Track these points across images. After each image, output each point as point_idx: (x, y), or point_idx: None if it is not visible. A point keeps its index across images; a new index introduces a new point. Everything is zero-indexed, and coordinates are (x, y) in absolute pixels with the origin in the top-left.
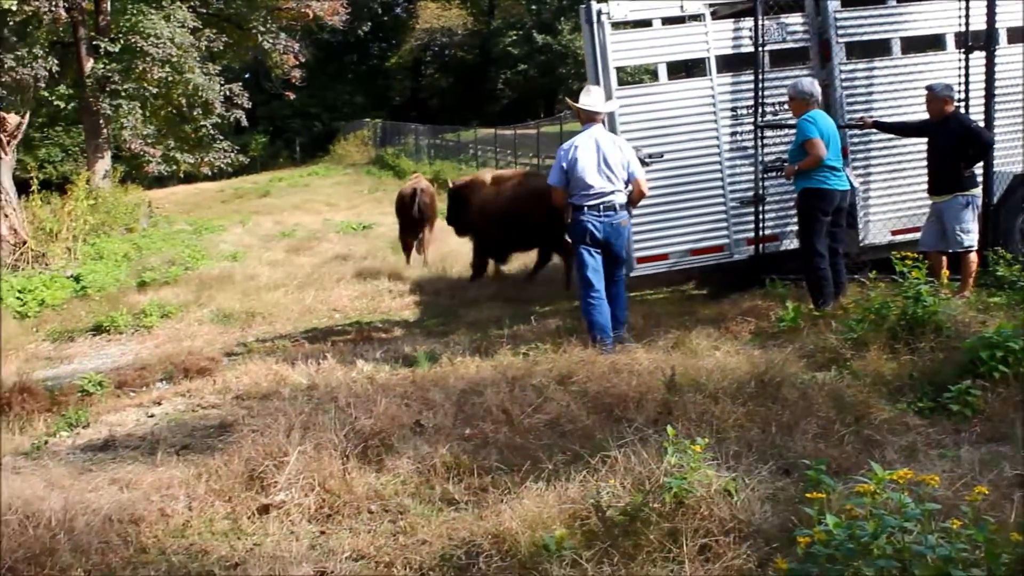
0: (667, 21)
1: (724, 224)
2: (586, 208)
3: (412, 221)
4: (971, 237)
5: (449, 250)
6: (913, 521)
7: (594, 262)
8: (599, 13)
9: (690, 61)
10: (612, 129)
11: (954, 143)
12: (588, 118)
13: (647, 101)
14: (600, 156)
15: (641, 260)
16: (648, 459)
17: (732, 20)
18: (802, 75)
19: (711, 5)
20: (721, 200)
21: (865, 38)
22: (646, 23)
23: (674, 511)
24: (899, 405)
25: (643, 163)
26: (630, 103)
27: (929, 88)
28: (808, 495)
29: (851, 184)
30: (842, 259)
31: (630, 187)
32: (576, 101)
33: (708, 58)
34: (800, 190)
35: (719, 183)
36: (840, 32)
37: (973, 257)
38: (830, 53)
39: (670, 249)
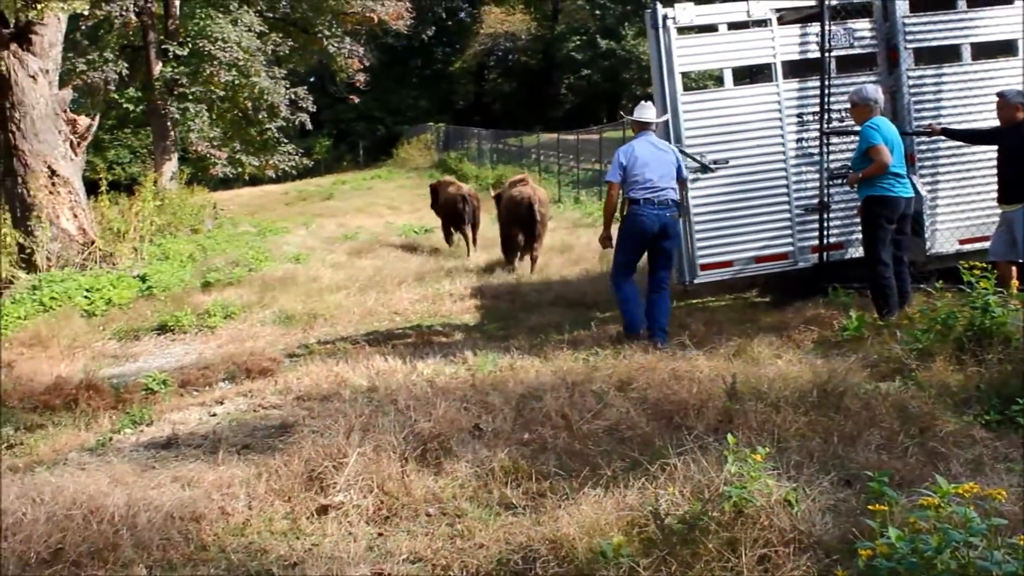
0: (733, 26)
1: (789, 231)
2: (642, 201)
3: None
4: None
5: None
6: (979, 536)
7: (633, 258)
8: (665, 18)
9: (754, 66)
10: (677, 135)
11: None
12: (641, 128)
13: (712, 107)
14: (660, 158)
15: (705, 267)
16: (708, 467)
17: (799, 25)
18: (867, 81)
19: (777, 10)
20: (786, 207)
21: (934, 44)
22: (712, 28)
23: (733, 520)
24: (965, 417)
25: (706, 169)
26: (695, 109)
27: (1001, 95)
28: (870, 507)
29: (917, 192)
30: (907, 267)
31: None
32: (631, 115)
33: (774, 63)
34: (864, 197)
35: (784, 190)
36: (908, 37)
37: None
38: (898, 59)
39: (735, 256)
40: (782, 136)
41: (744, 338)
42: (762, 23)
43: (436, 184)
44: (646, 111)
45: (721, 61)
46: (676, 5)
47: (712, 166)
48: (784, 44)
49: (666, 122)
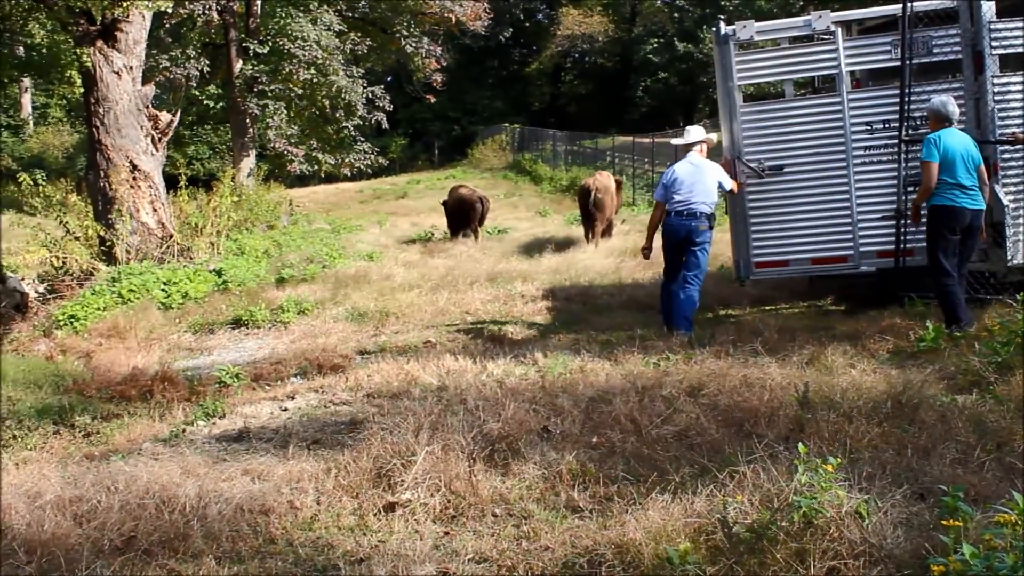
0: (796, 40)
1: (850, 236)
2: (674, 213)
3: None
4: None
5: (577, 258)
6: None
7: (671, 262)
8: (727, 35)
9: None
10: (738, 144)
11: None
12: (686, 150)
13: (771, 117)
14: (695, 176)
15: (760, 265)
16: (777, 476)
17: (866, 36)
18: (945, 89)
19: (839, 22)
20: (847, 212)
21: (1021, 50)
22: (773, 43)
23: (802, 531)
24: None
25: (759, 175)
26: (754, 119)
27: None
28: (944, 522)
29: (999, 201)
30: (963, 278)
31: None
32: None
33: (839, 74)
34: (928, 207)
35: (846, 196)
36: (994, 43)
37: None
38: (983, 65)
39: (791, 256)
40: (845, 144)
41: (818, 346)
42: (827, 35)
43: (453, 188)
44: (687, 135)
45: (781, 74)
46: (737, 23)
47: (764, 173)
48: (851, 55)
49: (731, 131)
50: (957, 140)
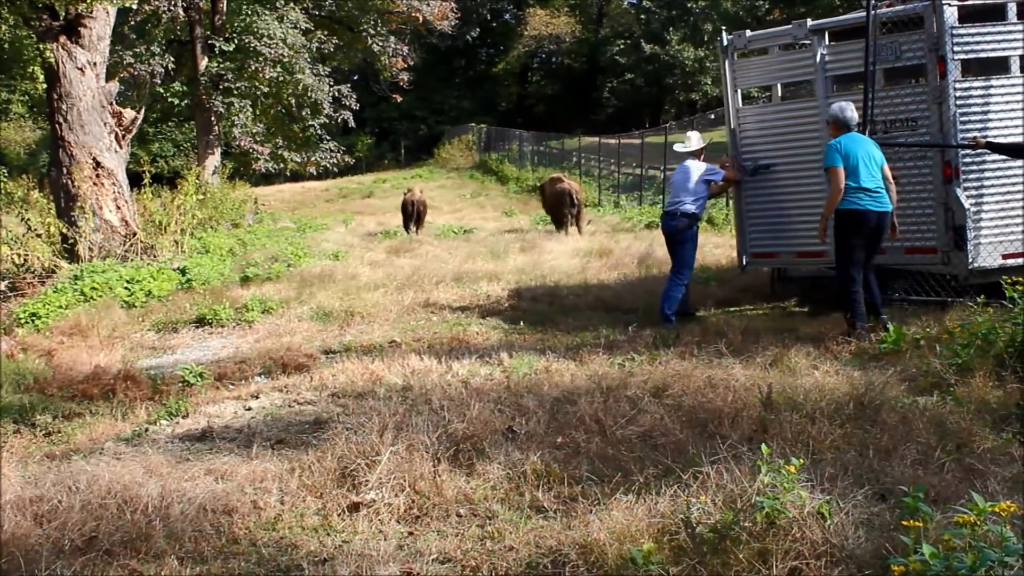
0: (784, 47)
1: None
2: (665, 214)
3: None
4: None
5: (543, 259)
6: (1015, 556)
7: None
8: (727, 44)
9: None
10: (737, 144)
11: None
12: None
13: (762, 119)
14: (683, 178)
15: (754, 255)
16: (741, 477)
17: (838, 42)
18: (912, 93)
19: (814, 30)
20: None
21: (982, 55)
22: (763, 51)
23: (765, 531)
24: (1004, 435)
25: (753, 172)
26: (749, 121)
27: None
28: (904, 523)
29: (961, 204)
30: (874, 276)
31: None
32: (676, 147)
33: (815, 79)
34: (835, 212)
35: (822, 195)
36: (956, 48)
37: None
38: (945, 69)
39: (780, 249)
40: (821, 146)
41: (781, 348)
42: (805, 43)
43: (405, 192)
44: (688, 142)
45: (771, 79)
46: (735, 33)
47: (756, 171)
48: (829, 60)
49: (732, 132)
50: (858, 144)
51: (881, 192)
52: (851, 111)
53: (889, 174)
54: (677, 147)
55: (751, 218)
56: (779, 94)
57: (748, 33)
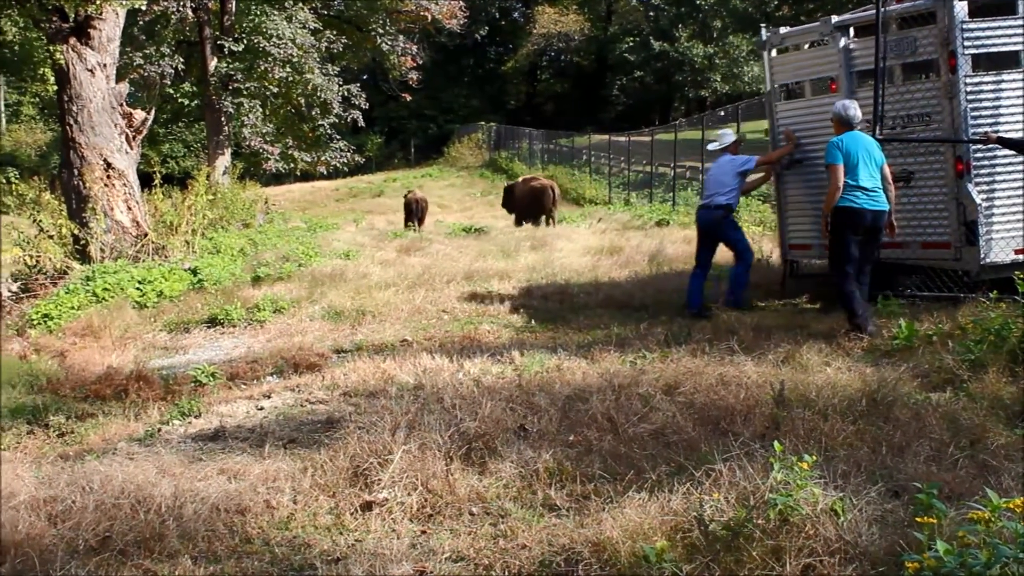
0: (813, 44)
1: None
2: (700, 208)
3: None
4: None
5: (554, 257)
6: None
7: (699, 249)
8: (765, 40)
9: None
10: (775, 136)
11: None
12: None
13: (795, 115)
14: (717, 173)
15: (792, 247)
16: (753, 474)
17: (861, 38)
18: (929, 88)
19: (839, 25)
20: None
21: (992, 50)
22: (796, 47)
23: (778, 528)
24: (1017, 430)
25: (787, 166)
26: (785, 116)
27: None
28: (918, 519)
29: (973, 199)
30: (867, 275)
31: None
32: (710, 147)
33: (839, 75)
34: (833, 208)
35: None
36: (966, 43)
37: None
38: (955, 64)
39: (814, 241)
40: None
41: (793, 344)
42: (828, 39)
43: (407, 192)
44: (720, 139)
45: (802, 74)
46: (772, 29)
47: (790, 165)
48: (854, 56)
49: (772, 126)
50: (859, 143)
51: (878, 191)
52: (854, 109)
53: (889, 174)
54: (711, 146)
55: (789, 212)
56: (809, 90)
57: (782, 30)
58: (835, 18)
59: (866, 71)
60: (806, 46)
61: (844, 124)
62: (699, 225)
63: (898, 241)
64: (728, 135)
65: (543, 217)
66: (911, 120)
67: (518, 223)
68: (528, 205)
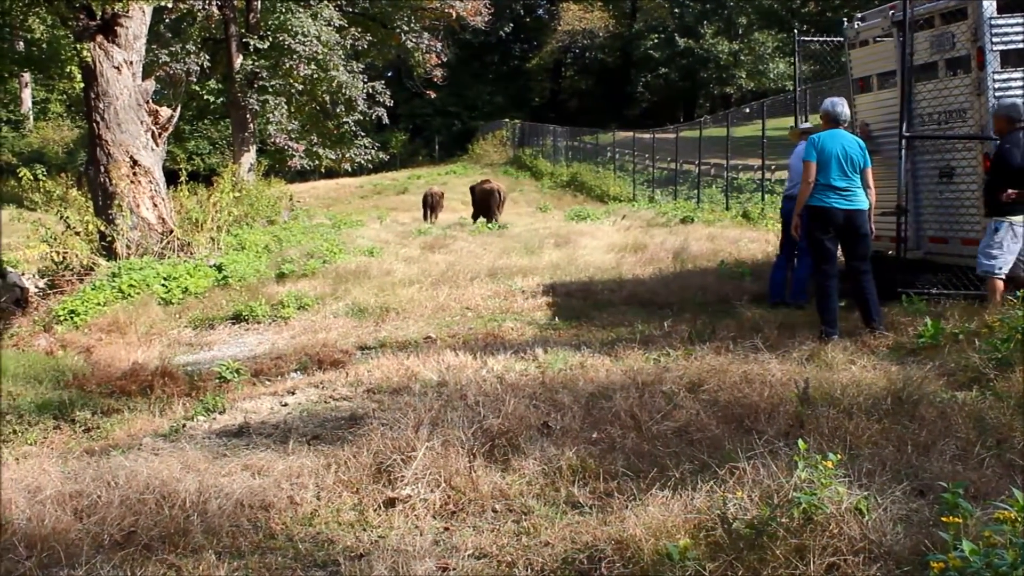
0: (878, 39)
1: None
2: (784, 197)
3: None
4: None
5: (577, 254)
6: None
7: (782, 237)
8: (845, 32)
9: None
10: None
11: None
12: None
13: (867, 108)
14: (794, 162)
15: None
16: (777, 472)
17: (916, 32)
18: (962, 84)
19: (897, 21)
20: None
21: (1021, 46)
22: (864, 42)
23: (802, 527)
24: None
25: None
26: (861, 108)
27: None
28: (944, 519)
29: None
30: (868, 277)
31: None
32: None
33: (896, 69)
34: (804, 206)
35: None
36: (995, 39)
37: None
38: (983, 60)
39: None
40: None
41: (817, 342)
42: (889, 34)
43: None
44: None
45: (868, 69)
46: (850, 23)
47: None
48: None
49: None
50: (837, 142)
51: (852, 191)
52: (842, 107)
53: (871, 178)
54: (802, 125)
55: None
56: (875, 83)
57: (857, 24)
58: (893, 13)
59: (923, 65)
60: (871, 41)
61: (830, 121)
62: (782, 215)
63: (941, 236)
64: (811, 120)
65: (493, 213)
66: (950, 116)
67: (474, 218)
68: (480, 203)
